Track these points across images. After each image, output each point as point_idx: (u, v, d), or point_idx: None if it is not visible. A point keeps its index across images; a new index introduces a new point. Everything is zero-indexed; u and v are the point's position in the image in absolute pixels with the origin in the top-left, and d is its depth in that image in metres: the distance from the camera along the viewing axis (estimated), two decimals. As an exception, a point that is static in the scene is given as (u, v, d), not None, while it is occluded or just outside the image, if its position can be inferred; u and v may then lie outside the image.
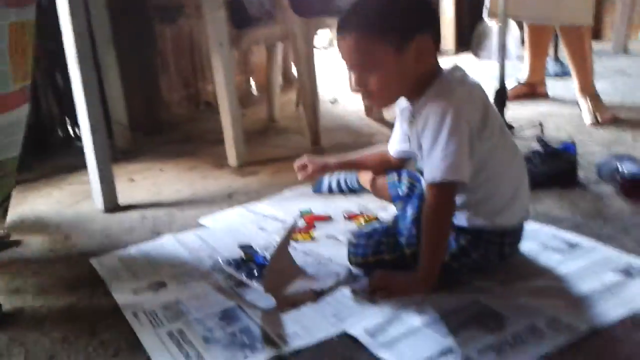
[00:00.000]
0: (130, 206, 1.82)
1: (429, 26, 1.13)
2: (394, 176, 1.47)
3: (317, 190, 1.80)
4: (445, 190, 1.11)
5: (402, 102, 1.24)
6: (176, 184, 2.02)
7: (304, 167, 1.57)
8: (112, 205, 1.80)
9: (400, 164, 1.46)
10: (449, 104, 1.09)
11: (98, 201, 1.80)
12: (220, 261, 1.35)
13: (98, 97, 1.76)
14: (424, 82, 1.14)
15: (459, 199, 1.16)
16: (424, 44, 1.11)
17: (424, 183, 1.19)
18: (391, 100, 1.22)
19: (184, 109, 3.17)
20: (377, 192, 1.58)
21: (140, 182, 2.08)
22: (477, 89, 1.17)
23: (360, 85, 1.15)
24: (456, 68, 1.18)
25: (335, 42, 4.06)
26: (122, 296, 1.24)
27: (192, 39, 3.18)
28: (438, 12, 1.23)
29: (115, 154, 2.30)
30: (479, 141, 1.12)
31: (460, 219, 1.19)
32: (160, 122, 2.84)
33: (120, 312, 1.18)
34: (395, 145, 1.41)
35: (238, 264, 1.31)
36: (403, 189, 1.43)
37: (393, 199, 1.48)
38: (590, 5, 2.36)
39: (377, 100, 1.26)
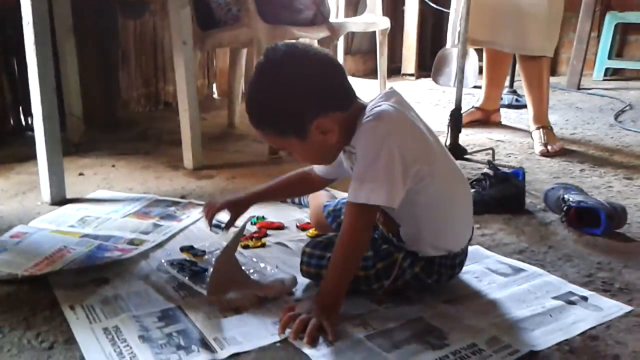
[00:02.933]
0: (78, 200, 1.77)
1: (325, 104, 1.10)
2: (329, 207, 1.45)
3: None
4: (366, 212, 1.09)
5: None
6: (128, 182, 1.98)
7: (210, 205, 1.42)
8: (59, 198, 1.75)
9: (323, 185, 1.41)
10: (377, 128, 1.08)
11: (45, 193, 1.75)
12: (164, 262, 1.33)
13: (53, 85, 1.71)
14: (352, 129, 1.12)
15: (410, 232, 1.17)
16: (324, 124, 1.10)
17: None
18: (326, 161, 1.23)
19: (142, 107, 3.13)
20: (317, 225, 1.53)
21: (91, 177, 2.03)
22: (409, 119, 1.14)
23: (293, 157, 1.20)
24: (390, 94, 1.16)
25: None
26: (62, 289, 1.20)
27: (156, 36, 3.14)
28: (333, 70, 1.15)
29: (67, 147, 2.24)
30: (427, 176, 1.11)
31: (413, 248, 1.19)
32: (116, 118, 2.79)
33: (57, 306, 1.14)
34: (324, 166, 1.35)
35: (182, 265, 1.30)
36: (337, 207, 1.42)
37: (329, 222, 1.45)
38: (554, 38, 2.44)
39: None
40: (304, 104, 1.08)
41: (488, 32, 2.45)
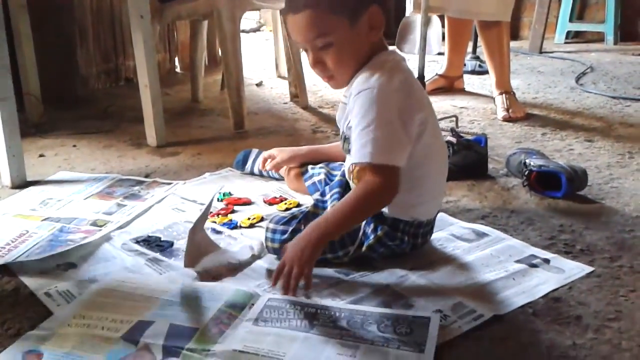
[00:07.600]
0: (39, 182, 1.74)
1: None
2: (308, 168, 1.48)
3: (238, 167, 1.79)
4: (384, 172, 1.09)
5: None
6: (90, 162, 1.95)
7: (271, 157, 1.60)
8: (20, 181, 1.71)
9: None
10: (382, 85, 1.10)
11: (5, 177, 1.71)
12: (130, 240, 1.33)
13: (8, 65, 1.66)
14: (368, 57, 1.16)
15: None
16: (376, 15, 1.14)
17: (346, 166, 1.22)
18: (349, 75, 1.19)
19: (102, 84, 3.06)
20: (291, 183, 1.59)
21: (52, 158, 1.99)
22: (412, 81, 1.19)
23: (317, 63, 1.17)
24: (394, 52, 1.20)
25: (264, 26, 4.04)
26: (28, 276, 1.18)
27: (113, 10, 3.06)
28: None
29: (26, 127, 2.18)
30: (417, 136, 1.14)
31: None
32: (76, 95, 2.73)
33: (22, 292, 1.13)
34: None
35: (148, 242, 1.31)
36: (320, 178, 1.43)
37: (309, 190, 1.48)
38: (509, 3, 2.45)
39: (336, 78, 1.21)
40: None
41: (449, 0, 2.44)
